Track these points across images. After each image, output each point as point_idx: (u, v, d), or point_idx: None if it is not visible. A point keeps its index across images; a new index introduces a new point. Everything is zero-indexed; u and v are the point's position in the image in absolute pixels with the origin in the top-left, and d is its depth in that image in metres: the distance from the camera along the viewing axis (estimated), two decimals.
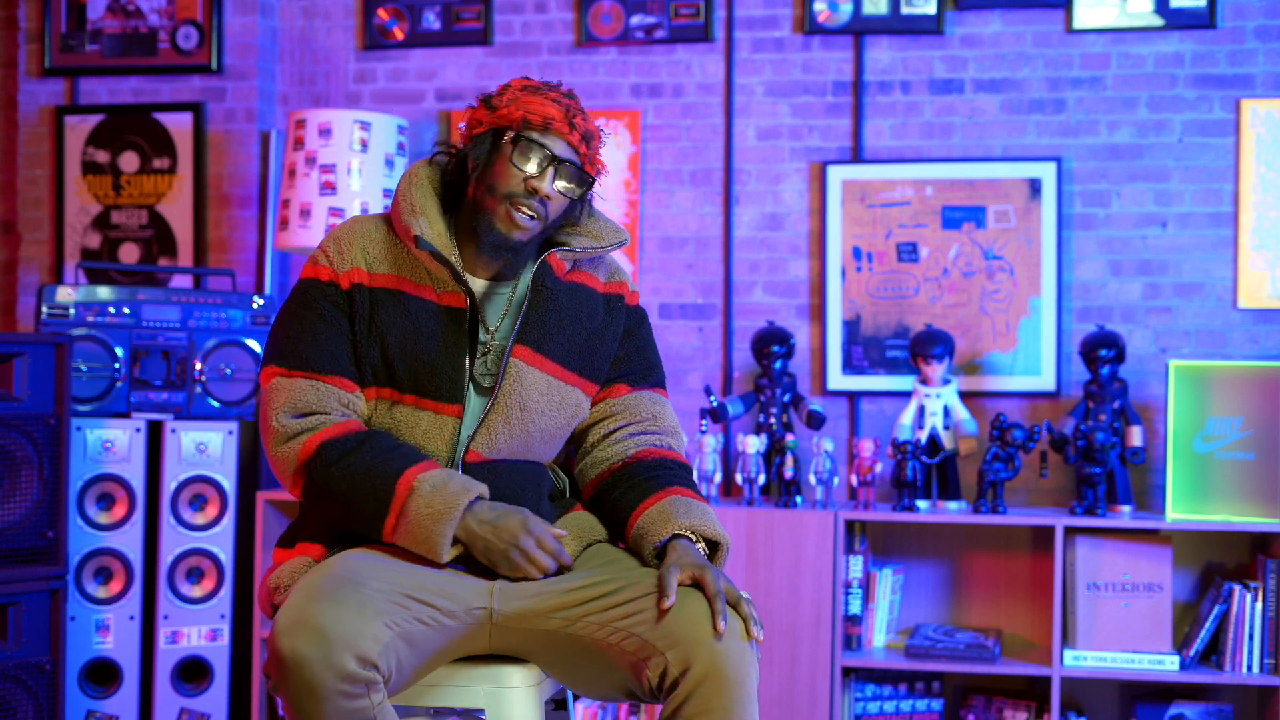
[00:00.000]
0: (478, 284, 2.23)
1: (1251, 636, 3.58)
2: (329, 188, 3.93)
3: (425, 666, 2.09)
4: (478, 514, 2.08)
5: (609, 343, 2.29)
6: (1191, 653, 3.63)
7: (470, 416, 2.20)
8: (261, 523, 3.90)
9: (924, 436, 3.83)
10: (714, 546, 2.17)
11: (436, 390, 2.16)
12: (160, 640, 3.71)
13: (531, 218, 2.17)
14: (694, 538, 2.14)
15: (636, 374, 2.32)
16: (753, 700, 2.02)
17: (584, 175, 2.21)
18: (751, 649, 2.03)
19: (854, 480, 3.83)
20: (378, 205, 3.96)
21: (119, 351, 3.75)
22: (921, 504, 3.80)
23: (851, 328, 4.09)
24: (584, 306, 2.27)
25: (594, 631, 2.07)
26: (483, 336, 2.22)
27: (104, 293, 3.77)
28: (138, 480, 3.70)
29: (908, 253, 4.07)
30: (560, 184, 2.19)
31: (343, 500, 2.11)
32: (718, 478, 3.88)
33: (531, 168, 2.16)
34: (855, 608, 3.79)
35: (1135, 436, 3.75)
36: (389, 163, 4.00)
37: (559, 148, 2.18)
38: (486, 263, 2.23)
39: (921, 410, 3.85)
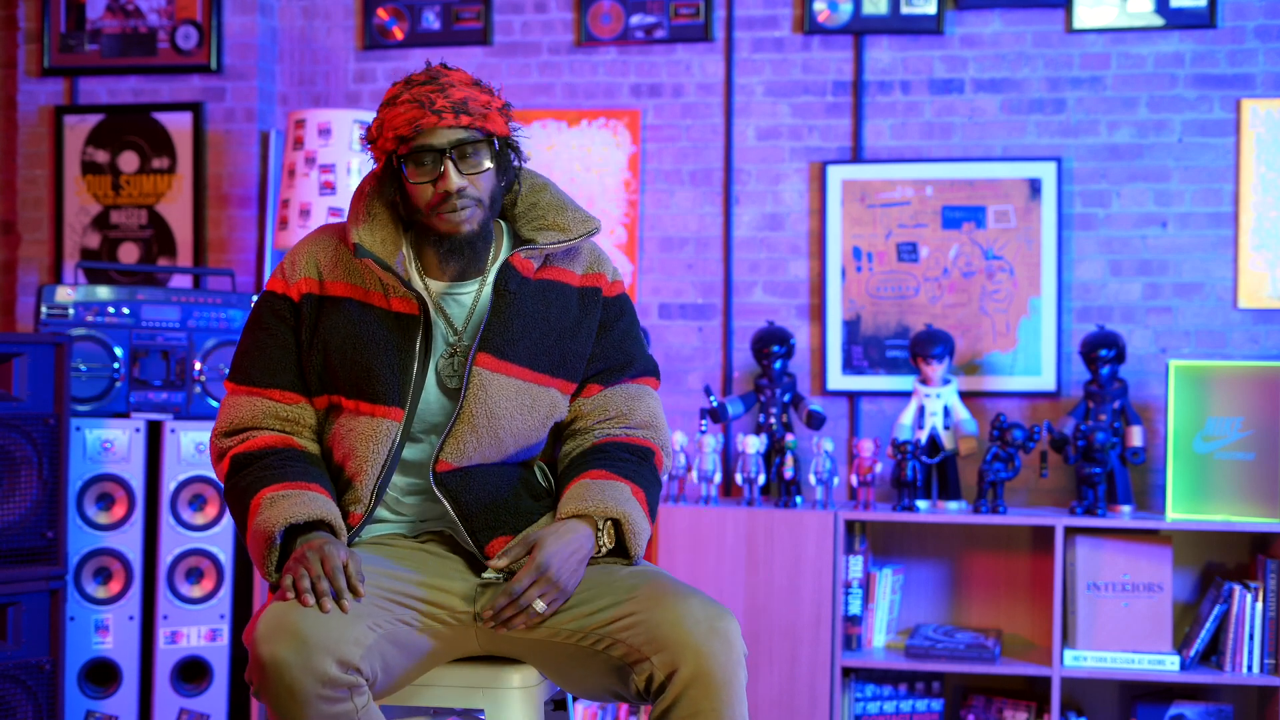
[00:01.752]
0: (437, 286, 2.21)
1: (1251, 636, 3.58)
2: (328, 187, 3.93)
3: (418, 667, 2.09)
4: (310, 538, 2.06)
5: (583, 339, 2.25)
6: (1191, 653, 3.63)
7: (431, 419, 2.19)
8: None
9: (924, 436, 3.83)
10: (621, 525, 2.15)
11: (374, 394, 2.15)
12: (160, 640, 3.71)
13: (464, 208, 2.13)
14: (596, 519, 2.13)
15: (612, 370, 2.28)
16: (741, 701, 2.01)
17: (483, 141, 2.13)
18: (738, 649, 2.02)
19: (854, 480, 3.82)
20: None
21: (118, 351, 3.75)
22: (921, 504, 3.80)
23: (851, 328, 4.09)
24: (554, 305, 2.23)
25: (579, 639, 2.07)
26: (450, 338, 2.20)
27: (103, 293, 3.77)
28: (137, 480, 3.70)
29: (908, 253, 4.07)
30: (466, 166, 2.12)
31: (232, 513, 2.18)
32: (718, 478, 3.88)
33: (428, 175, 2.12)
34: (855, 608, 3.79)
35: (1135, 436, 3.74)
36: None
37: (439, 138, 2.10)
38: (446, 265, 2.20)
39: (921, 410, 3.85)
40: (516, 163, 2.22)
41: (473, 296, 2.22)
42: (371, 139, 2.17)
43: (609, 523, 2.15)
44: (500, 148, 2.16)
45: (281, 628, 1.90)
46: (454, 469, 2.17)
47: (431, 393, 2.19)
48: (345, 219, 2.24)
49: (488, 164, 2.14)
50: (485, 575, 2.17)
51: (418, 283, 2.21)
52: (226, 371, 3.77)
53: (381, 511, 2.24)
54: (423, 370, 2.17)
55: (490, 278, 2.23)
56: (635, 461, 2.23)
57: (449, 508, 2.17)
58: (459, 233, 2.14)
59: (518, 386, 2.18)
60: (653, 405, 2.31)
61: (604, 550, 2.16)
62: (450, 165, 2.11)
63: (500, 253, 2.26)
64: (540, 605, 2.05)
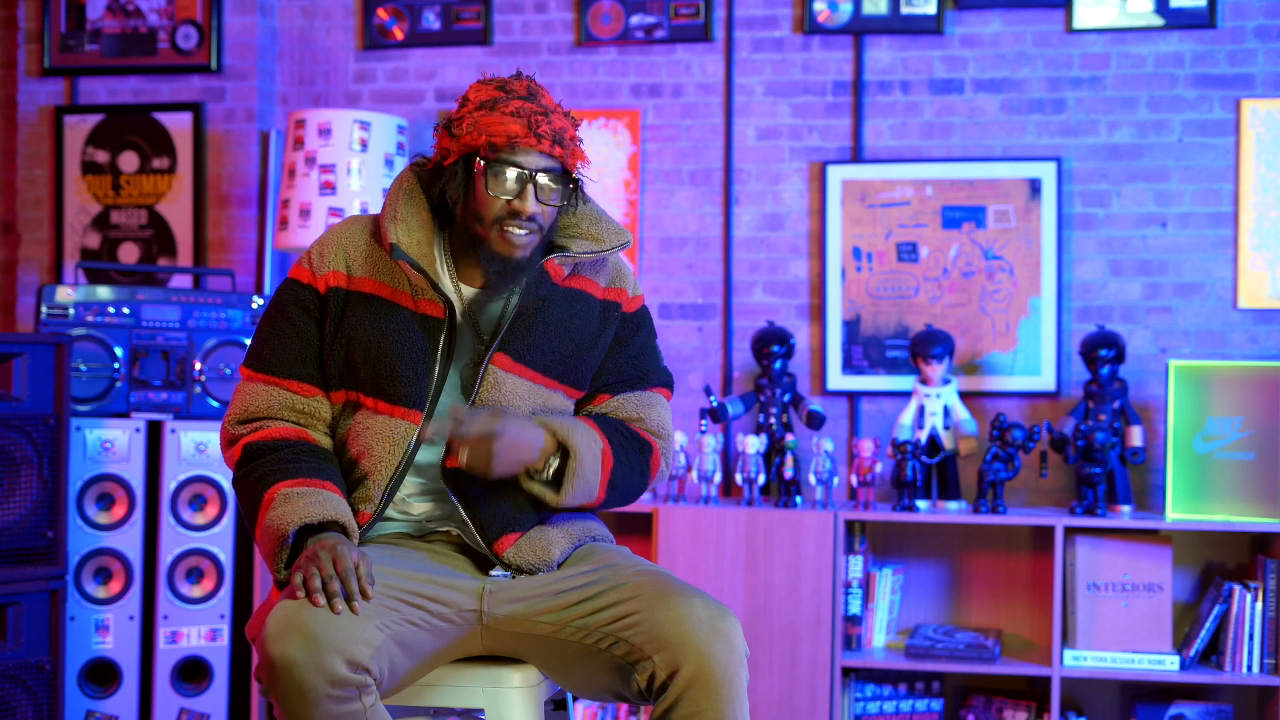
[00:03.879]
0: (469, 291, 2.22)
1: (1251, 636, 3.58)
2: (329, 188, 3.93)
3: (421, 668, 2.09)
4: (322, 537, 2.05)
5: (597, 352, 2.27)
6: (1191, 653, 3.63)
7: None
8: None
9: (924, 436, 3.83)
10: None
11: (395, 395, 2.15)
12: (160, 640, 3.71)
13: (526, 234, 2.14)
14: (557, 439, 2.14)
15: (625, 383, 2.30)
16: (742, 700, 2.02)
17: (567, 177, 2.16)
18: (740, 649, 2.03)
19: (854, 480, 3.82)
20: (377, 205, 3.96)
21: (119, 351, 3.75)
22: (921, 504, 3.80)
23: (851, 328, 4.09)
24: (577, 316, 2.24)
25: (583, 637, 2.08)
26: (477, 345, 2.20)
27: (104, 293, 3.77)
28: (137, 480, 3.70)
29: (908, 253, 4.07)
30: (544, 195, 2.14)
31: (241, 503, 2.17)
32: (718, 478, 3.88)
33: (509, 191, 2.12)
34: (855, 608, 3.79)
35: (1135, 436, 3.75)
36: (389, 163, 4.00)
37: (532, 161, 2.12)
38: (481, 272, 2.21)
39: (921, 410, 3.85)
40: (575, 203, 2.22)
41: (503, 303, 2.23)
42: (455, 134, 2.14)
43: (560, 451, 2.15)
44: (573, 184, 2.19)
45: (292, 627, 1.90)
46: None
47: (452, 397, 2.19)
48: (380, 213, 2.23)
49: (561, 199, 2.16)
50: (493, 573, 2.17)
51: (449, 287, 2.21)
52: (228, 369, 3.79)
53: (390, 511, 2.24)
54: (444, 374, 2.17)
55: (521, 284, 2.23)
56: (628, 442, 2.24)
57: (458, 505, 2.17)
58: (513, 257, 2.15)
59: (530, 388, 2.19)
60: (663, 414, 2.32)
61: (544, 473, 2.16)
62: (532, 189, 2.12)
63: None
64: (463, 456, 2.09)
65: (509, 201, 2.12)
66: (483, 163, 2.12)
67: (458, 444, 2.09)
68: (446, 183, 2.17)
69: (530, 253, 2.17)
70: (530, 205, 2.12)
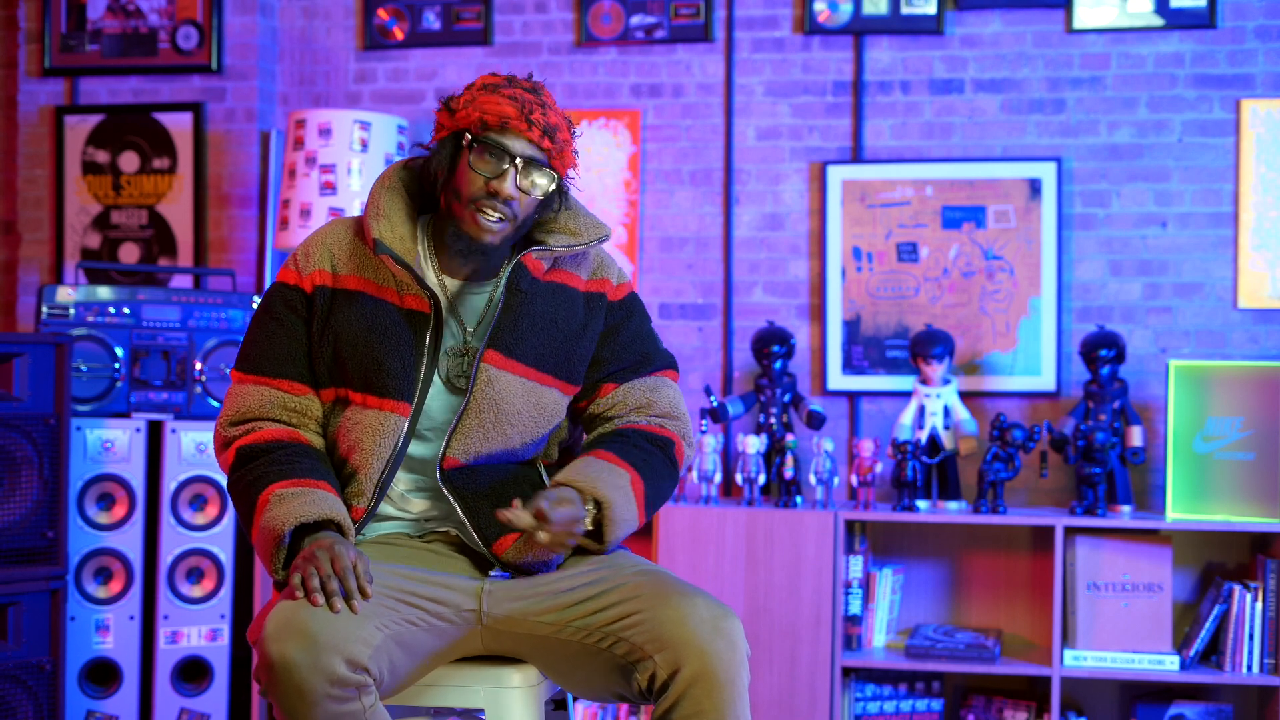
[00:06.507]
0: (452, 284, 2.22)
1: (1251, 636, 3.58)
2: (329, 188, 3.93)
3: (421, 668, 2.10)
4: (319, 537, 2.05)
5: (586, 344, 2.27)
6: (1191, 653, 3.63)
7: (437, 417, 2.20)
8: None
9: (924, 436, 3.83)
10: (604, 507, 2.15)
11: (383, 388, 2.15)
12: (160, 640, 3.71)
13: (499, 219, 2.14)
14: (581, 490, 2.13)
15: (627, 370, 2.30)
16: (743, 700, 2.02)
17: (550, 171, 2.17)
18: (742, 649, 2.03)
19: (854, 480, 3.82)
20: None
21: (119, 351, 3.75)
22: (921, 504, 3.80)
23: (851, 328, 4.09)
24: (562, 308, 2.25)
25: (583, 637, 2.08)
26: (461, 337, 2.21)
27: (104, 293, 3.77)
28: (138, 480, 3.70)
29: (908, 253, 4.07)
30: (524, 183, 2.15)
31: (237, 507, 2.16)
32: (718, 478, 3.88)
33: (490, 170, 2.13)
34: (855, 608, 3.79)
35: (1135, 436, 3.75)
36: (389, 163, 4.00)
37: (518, 146, 2.13)
38: (462, 264, 2.22)
39: (921, 410, 3.85)
40: (556, 205, 2.24)
41: (486, 297, 2.24)
42: (452, 109, 2.17)
43: (593, 503, 2.14)
44: (556, 185, 2.19)
45: (291, 627, 1.91)
46: (460, 466, 2.18)
47: (437, 391, 2.20)
48: (363, 212, 2.24)
49: (541, 192, 2.16)
50: (492, 574, 2.17)
51: (433, 280, 2.22)
52: (228, 369, 3.79)
53: (387, 509, 2.24)
54: (430, 368, 2.18)
55: (504, 278, 2.24)
56: (649, 451, 2.24)
57: (456, 506, 2.17)
58: (480, 239, 2.16)
59: (523, 384, 2.19)
60: (673, 396, 2.32)
61: (584, 525, 2.14)
62: (512, 173, 2.13)
63: (511, 253, 2.27)
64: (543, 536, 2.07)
65: (488, 181, 2.13)
66: (470, 138, 2.14)
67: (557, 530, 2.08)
68: (433, 157, 2.19)
69: (499, 241, 2.16)
70: (508, 188, 2.12)
